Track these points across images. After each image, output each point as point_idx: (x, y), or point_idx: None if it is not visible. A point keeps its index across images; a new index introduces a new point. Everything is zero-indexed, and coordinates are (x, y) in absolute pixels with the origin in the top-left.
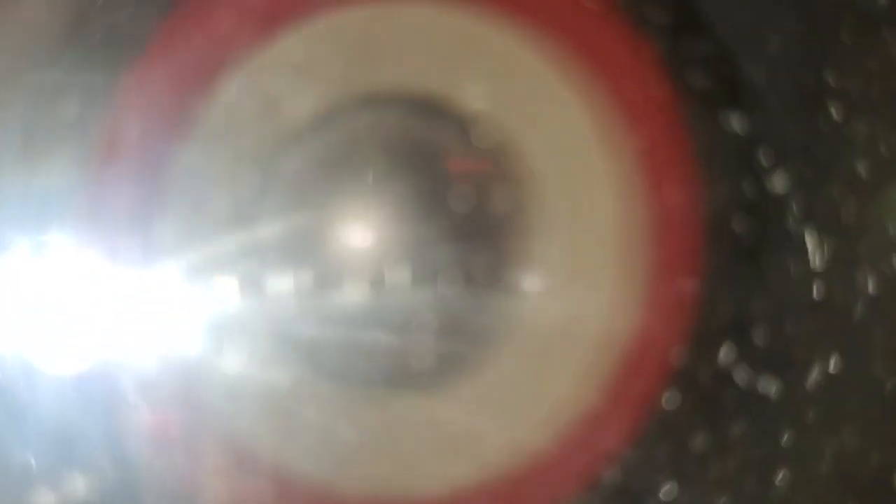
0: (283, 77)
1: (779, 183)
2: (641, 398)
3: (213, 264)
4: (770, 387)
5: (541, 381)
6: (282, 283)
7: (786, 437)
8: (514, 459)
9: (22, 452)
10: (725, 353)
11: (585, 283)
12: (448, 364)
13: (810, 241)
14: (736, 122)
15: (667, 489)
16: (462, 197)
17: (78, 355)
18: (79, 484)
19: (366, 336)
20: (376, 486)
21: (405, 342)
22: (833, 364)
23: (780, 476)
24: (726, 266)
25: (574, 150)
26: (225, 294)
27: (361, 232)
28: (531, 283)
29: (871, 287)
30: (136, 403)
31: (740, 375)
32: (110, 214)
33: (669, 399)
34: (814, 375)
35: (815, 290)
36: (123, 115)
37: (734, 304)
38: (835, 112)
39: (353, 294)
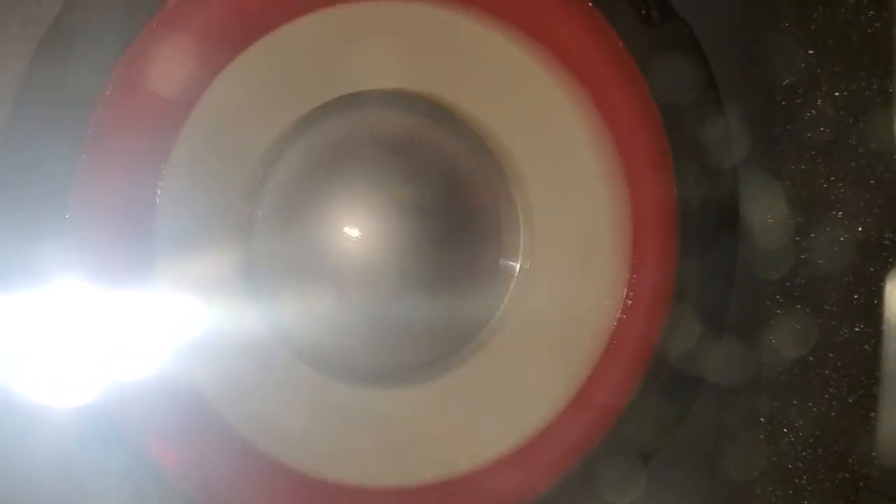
0: (268, 81)
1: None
2: (618, 389)
3: (209, 271)
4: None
5: (523, 375)
6: (276, 284)
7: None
8: (494, 451)
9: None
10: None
11: (569, 278)
12: (435, 361)
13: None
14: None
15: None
16: (448, 193)
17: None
18: None
19: (358, 334)
20: (363, 476)
21: (395, 340)
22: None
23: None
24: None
25: (557, 148)
26: (220, 296)
27: (349, 229)
28: (517, 279)
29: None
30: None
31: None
32: (101, 223)
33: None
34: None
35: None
36: (110, 125)
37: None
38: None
39: (344, 291)
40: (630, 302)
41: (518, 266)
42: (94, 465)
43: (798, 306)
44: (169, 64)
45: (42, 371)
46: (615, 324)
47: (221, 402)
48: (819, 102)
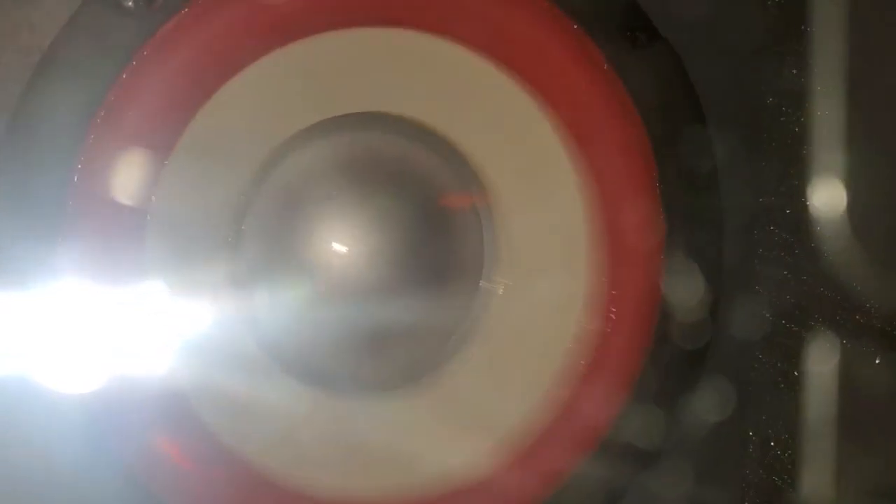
0: (252, 108)
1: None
2: (598, 404)
3: (195, 283)
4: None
5: (502, 386)
6: (258, 295)
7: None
8: (475, 464)
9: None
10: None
11: (544, 290)
12: (412, 369)
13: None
14: (691, 140)
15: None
16: (426, 210)
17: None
18: None
19: (337, 342)
20: (343, 487)
21: (371, 349)
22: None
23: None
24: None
25: (531, 162)
26: (206, 308)
27: (331, 244)
28: (493, 289)
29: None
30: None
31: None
32: (97, 233)
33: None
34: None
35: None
36: (105, 138)
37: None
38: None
39: (325, 302)
40: (613, 317)
41: (496, 280)
42: (76, 474)
43: (783, 321)
44: (158, 92)
45: (27, 378)
46: (597, 339)
47: (208, 412)
48: (803, 121)
